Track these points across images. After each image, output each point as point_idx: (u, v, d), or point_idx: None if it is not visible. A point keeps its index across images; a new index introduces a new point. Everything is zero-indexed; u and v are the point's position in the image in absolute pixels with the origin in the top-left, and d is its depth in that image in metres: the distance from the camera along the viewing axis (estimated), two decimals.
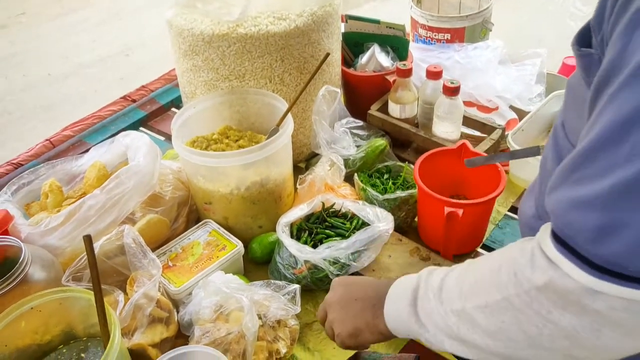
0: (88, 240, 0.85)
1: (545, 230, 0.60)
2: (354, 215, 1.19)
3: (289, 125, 1.18)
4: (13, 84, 3.86)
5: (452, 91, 1.27)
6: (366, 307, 0.80)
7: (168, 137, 1.61)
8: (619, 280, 0.52)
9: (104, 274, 1.01)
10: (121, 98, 1.71)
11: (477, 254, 1.22)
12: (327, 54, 1.25)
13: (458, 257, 1.18)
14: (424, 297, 0.71)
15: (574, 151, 0.55)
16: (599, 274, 0.53)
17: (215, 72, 1.25)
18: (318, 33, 1.26)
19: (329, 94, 1.32)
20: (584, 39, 0.63)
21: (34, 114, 3.56)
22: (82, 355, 0.99)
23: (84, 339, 1.02)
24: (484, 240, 1.24)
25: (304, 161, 1.46)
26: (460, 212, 1.07)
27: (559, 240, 0.56)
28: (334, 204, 1.20)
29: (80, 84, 3.83)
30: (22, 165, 1.49)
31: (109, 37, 4.34)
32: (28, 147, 1.54)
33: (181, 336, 1.05)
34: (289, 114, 1.20)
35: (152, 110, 1.70)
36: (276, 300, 1.01)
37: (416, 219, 1.27)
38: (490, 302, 0.62)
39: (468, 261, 0.72)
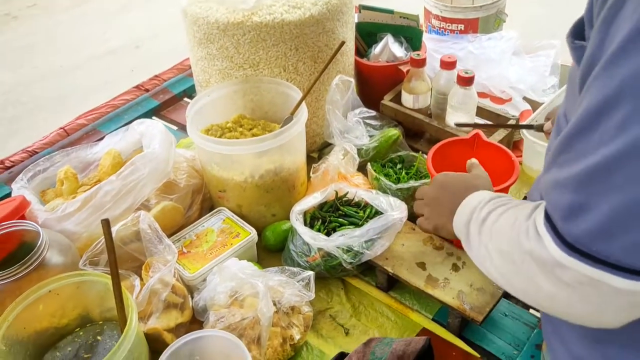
0: (106, 224, 0.86)
1: (542, 205, 0.64)
2: (367, 204, 1.19)
3: (303, 113, 1.18)
4: (25, 76, 3.88)
5: (466, 81, 1.27)
6: (447, 213, 0.88)
7: (181, 127, 1.62)
8: (584, 258, 0.56)
9: (119, 259, 1.01)
10: (134, 87, 1.72)
11: None
12: (343, 42, 1.25)
13: None
14: (474, 224, 0.78)
15: (560, 136, 0.58)
16: (568, 250, 0.57)
17: (230, 60, 1.26)
18: (332, 22, 1.26)
19: (342, 84, 1.32)
20: (578, 32, 0.65)
21: (46, 104, 3.59)
22: (99, 338, 1.00)
23: (100, 322, 1.03)
24: None
25: (317, 151, 1.46)
26: None
27: (547, 216, 0.61)
28: (347, 193, 1.20)
29: (91, 75, 3.84)
30: (36, 152, 1.50)
31: (120, 29, 4.35)
32: (41, 137, 1.55)
33: (195, 322, 1.06)
34: (303, 103, 1.20)
35: (165, 100, 1.70)
36: (291, 287, 1.02)
37: None
38: (503, 249, 0.69)
39: (503, 208, 0.75)
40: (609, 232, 0.54)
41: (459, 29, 1.61)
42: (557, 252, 0.58)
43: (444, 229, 0.91)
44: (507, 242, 0.68)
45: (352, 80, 1.33)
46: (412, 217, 1.21)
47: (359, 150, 1.31)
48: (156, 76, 1.75)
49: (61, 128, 1.57)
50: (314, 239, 1.08)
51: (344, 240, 1.07)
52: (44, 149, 1.52)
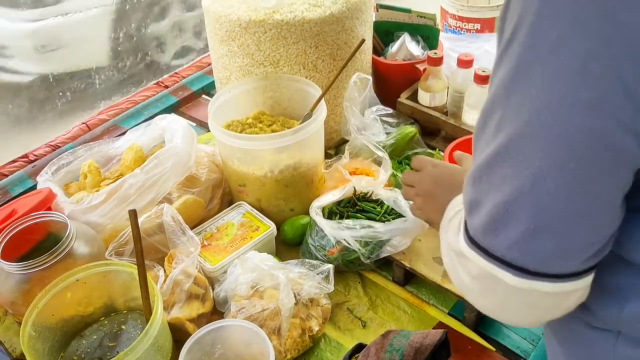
0: (133, 214, 0.88)
1: None
2: (384, 201, 1.21)
3: (322, 110, 1.20)
4: None
5: (483, 79, 1.28)
6: (442, 209, 0.83)
7: (199, 123, 1.65)
8: (480, 251, 0.57)
9: (143, 250, 1.04)
10: (154, 84, 1.75)
11: None
12: (363, 40, 1.27)
13: None
14: (447, 225, 0.76)
15: (474, 133, 0.60)
16: (470, 243, 0.58)
17: (251, 57, 1.28)
18: (352, 20, 1.28)
19: (360, 81, 1.33)
20: None
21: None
22: (123, 327, 1.03)
23: (124, 312, 1.06)
24: None
25: (334, 147, 1.48)
26: None
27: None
28: (368, 193, 1.21)
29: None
30: (59, 147, 1.54)
31: None
32: (54, 134, 1.58)
33: (216, 312, 1.09)
34: (322, 100, 1.22)
35: (184, 97, 1.73)
36: (310, 279, 1.04)
37: None
38: (444, 247, 0.70)
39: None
40: (493, 228, 0.54)
41: (475, 28, 1.62)
42: (463, 245, 0.60)
43: (436, 224, 0.88)
44: (445, 242, 0.69)
45: (370, 78, 1.35)
46: None
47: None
48: (175, 73, 1.78)
49: (83, 123, 1.60)
50: (335, 229, 1.10)
51: (366, 232, 1.09)
52: (66, 144, 1.55)
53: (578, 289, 0.56)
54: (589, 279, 0.56)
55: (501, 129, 0.52)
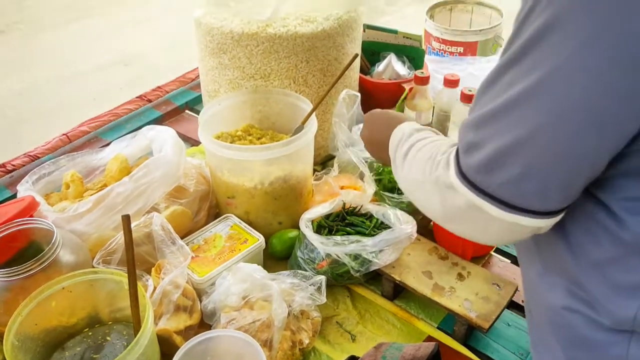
0: (127, 219, 0.86)
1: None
2: (373, 215, 1.21)
3: (313, 124, 1.21)
4: (10, 89, 3.85)
5: (469, 98, 1.31)
6: (383, 147, 0.96)
7: (184, 138, 1.63)
8: (470, 186, 0.66)
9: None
10: (137, 97, 1.73)
11: (491, 258, 1.26)
12: (357, 55, 1.29)
13: (473, 260, 1.20)
14: (398, 158, 0.88)
15: (478, 89, 0.67)
16: (461, 178, 0.67)
17: (241, 70, 1.28)
18: (342, 37, 1.30)
19: (348, 98, 1.35)
20: None
21: (32, 118, 3.55)
22: (107, 338, 1.00)
23: (109, 323, 1.02)
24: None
25: (320, 164, 1.49)
26: None
27: (457, 150, 0.70)
28: (356, 207, 1.22)
29: (79, 91, 3.83)
30: (38, 157, 1.50)
31: (108, 47, 4.35)
32: (26, 149, 1.54)
33: (203, 325, 1.06)
34: (313, 114, 1.23)
35: (168, 111, 1.72)
36: (302, 290, 1.03)
37: (432, 223, 1.30)
38: (417, 179, 0.80)
39: (431, 139, 0.85)
40: (488, 168, 0.63)
41: (458, 51, 1.67)
42: (455, 179, 0.68)
43: (388, 160, 0.99)
44: (421, 174, 0.77)
45: (359, 94, 1.36)
46: (418, 230, 1.24)
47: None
48: (159, 87, 1.77)
49: (64, 134, 1.57)
50: (324, 244, 1.09)
51: (355, 248, 1.09)
52: (46, 154, 1.51)
53: (548, 225, 0.65)
54: (558, 218, 0.65)
55: (512, 86, 0.59)
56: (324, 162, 1.49)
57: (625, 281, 0.62)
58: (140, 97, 1.74)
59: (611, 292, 0.65)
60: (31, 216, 1.10)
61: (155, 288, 0.99)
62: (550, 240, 0.72)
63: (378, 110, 1.07)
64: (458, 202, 0.68)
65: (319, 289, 1.04)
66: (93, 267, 1.01)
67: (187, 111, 1.76)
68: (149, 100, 1.73)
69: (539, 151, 0.59)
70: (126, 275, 0.89)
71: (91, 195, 1.18)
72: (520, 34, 0.59)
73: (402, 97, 1.46)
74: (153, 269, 1.06)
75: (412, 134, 0.88)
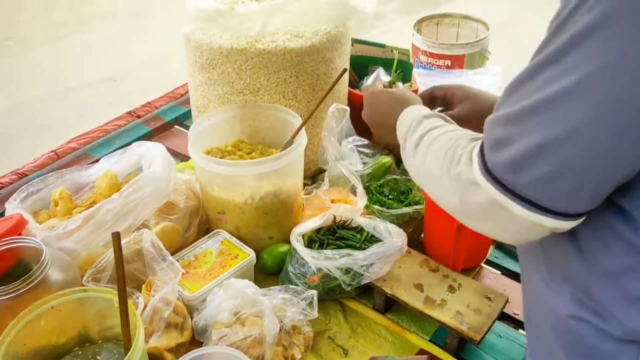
0: (117, 237, 0.86)
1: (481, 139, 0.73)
2: (364, 228, 1.21)
3: (303, 138, 1.21)
4: None
5: None
6: (389, 130, 0.98)
7: (173, 153, 1.62)
8: (496, 184, 0.65)
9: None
10: (126, 113, 1.73)
11: (482, 270, 1.26)
12: (345, 69, 1.30)
13: (463, 272, 1.21)
14: (408, 144, 0.88)
15: (509, 83, 0.67)
16: (486, 174, 0.66)
17: (231, 86, 1.29)
18: (331, 52, 1.31)
19: (338, 112, 1.36)
20: None
21: (20, 135, 3.53)
22: (98, 357, 0.99)
23: (99, 341, 1.01)
24: (487, 256, 1.27)
25: (310, 178, 1.49)
26: None
27: (481, 145, 0.69)
28: (347, 221, 1.22)
29: (68, 107, 3.82)
30: (26, 175, 1.49)
31: (97, 63, 4.35)
32: (14, 166, 1.54)
33: (194, 342, 1.06)
34: (303, 128, 1.23)
35: (157, 127, 1.72)
36: (294, 305, 1.02)
37: (422, 235, 1.31)
38: (433, 173, 0.79)
39: (443, 129, 0.84)
40: (517, 165, 0.63)
41: (445, 64, 1.68)
42: (479, 176, 0.67)
43: (393, 146, 1.01)
44: (438, 168, 0.77)
45: (348, 108, 1.37)
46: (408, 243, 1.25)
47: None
48: (148, 103, 1.77)
49: (52, 151, 1.56)
50: (316, 258, 1.09)
51: (346, 261, 1.09)
52: (34, 172, 1.50)
53: (569, 227, 0.65)
54: (580, 221, 0.65)
55: (550, 84, 0.59)
56: (314, 175, 1.49)
57: (638, 292, 0.63)
58: (129, 112, 1.73)
59: (623, 303, 0.65)
60: (19, 234, 1.09)
61: (145, 305, 0.99)
62: (558, 247, 0.72)
63: (379, 89, 1.06)
64: (480, 199, 0.68)
65: (310, 303, 1.04)
66: (83, 285, 1.00)
67: (176, 126, 1.76)
68: (139, 116, 1.73)
69: (575, 151, 0.59)
70: (116, 293, 0.88)
71: (80, 212, 1.17)
72: (560, 33, 0.59)
73: None
74: (143, 286, 1.05)
75: (422, 121, 0.88)
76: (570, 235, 0.70)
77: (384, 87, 1.53)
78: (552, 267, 0.75)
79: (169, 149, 1.63)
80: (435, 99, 1.17)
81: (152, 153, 1.22)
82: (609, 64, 0.55)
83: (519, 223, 0.65)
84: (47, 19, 4.99)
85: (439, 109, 1.14)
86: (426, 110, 0.94)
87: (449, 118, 0.91)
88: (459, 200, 0.73)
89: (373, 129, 1.07)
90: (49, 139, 2.71)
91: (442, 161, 0.76)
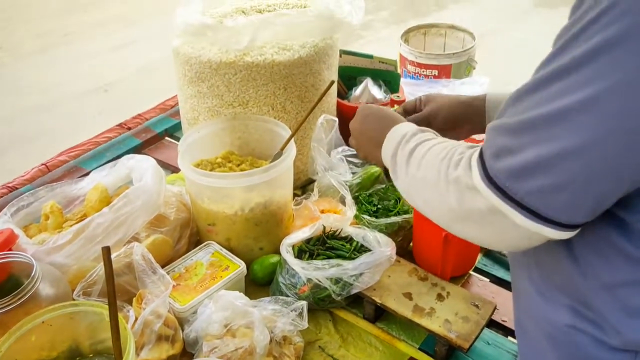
0: (107, 251, 0.86)
1: (479, 147, 0.73)
2: (353, 238, 1.23)
3: (292, 149, 1.22)
4: None
5: None
6: (374, 144, 0.98)
7: (164, 165, 1.63)
8: (497, 191, 0.65)
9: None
10: (117, 125, 1.73)
11: (470, 278, 1.27)
12: (333, 81, 1.32)
13: (452, 280, 1.22)
14: (401, 155, 0.88)
15: (516, 90, 0.67)
16: (487, 181, 0.66)
17: (220, 98, 1.30)
18: (319, 64, 1.33)
19: (326, 123, 1.37)
20: None
21: (10, 147, 3.53)
22: None
23: (90, 355, 1.01)
24: (475, 263, 1.29)
25: (300, 188, 1.50)
26: None
27: (481, 152, 0.69)
28: (337, 231, 1.23)
29: (59, 118, 3.81)
30: (17, 188, 1.49)
31: (88, 73, 4.35)
32: (5, 177, 1.54)
33: (186, 354, 1.06)
34: (292, 139, 1.25)
35: (147, 139, 1.72)
36: (284, 316, 1.03)
37: (411, 244, 1.32)
38: (428, 178, 0.79)
39: (437, 140, 0.85)
40: (521, 175, 0.63)
41: (432, 74, 1.71)
42: (479, 182, 0.67)
43: (374, 158, 1.00)
44: (435, 173, 0.77)
45: (336, 119, 1.39)
46: (397, 252, 1.26)
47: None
48: (139, 115, 1.78)
49: (42, 164, 1.56)
50: (305, 269, 1.10)
51: (335, 272, 1.10)
52: (24, 185, 1.51)
53: (567, 237, 0.65)
54: (577, 231, 0.65)
55: (564, 95, 0.59)
56: (304, 186, 1.51)
57: (638, 304, 0.64)
58: (120, 125, 1.74)
59: (623, 315, 0.66)
60: (10, 249, 1.09)
61: (136, 318, 0.99)
62: (552, 257, 0.73)
63: (374, 105, 1.07)
64: (479, 205, 0.68)
65: (300, 314, 1.05)
66: (73, 299, 1.00)
67: (167, 138, 1.77)
68: (129, 128, 1.74)
69: (584, 164, 0.59)
70: (107, 306, 0.89)
71: (71, 225, 1.18)
72: (573, 46, 0.58)
73: None
74: (134, 299, 1.05)
75: (417, 133, 0.88)
76: (566, 246, 0.70)
77: (374, 100, 1.55)
78: (547, 277, 0.76)
79: (159, 161, 1.65)
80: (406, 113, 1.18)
81: (143, 166, 1.23)
82: (626, 80, 0.55)
83: (517, 231, 0.65)
84: (37, 29, 4.99)
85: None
86: (415, 126, 0.94)
87: (439, 135, 0.91)
88: (456, 205, 0.72)
89: (355, 140, 1.06)
90: (40, 151, 2.72)
91: (439, 166, 0.76)
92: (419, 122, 1.12)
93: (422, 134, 0.88)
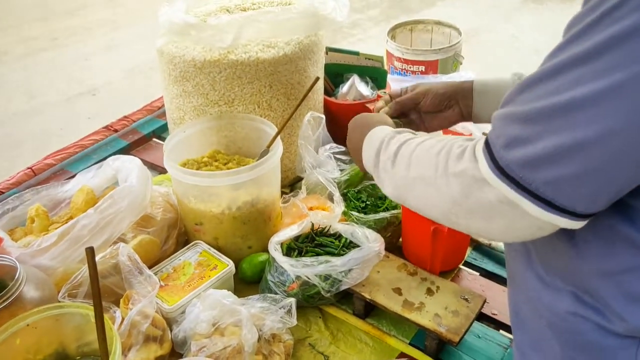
0: (90, 252, 0.85)
1: (483, 136, 0.70)
2: (342, 234, 1.22)
3: (278, 147, 1.22)
4: None
5: None
6: (357, 148, 0.97)
7: (151, 166, 1.63)
8: (509, 182, 0.63)
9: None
10: (103, 128, 1.72)
11: (460, 272, 1.27)
12: (317, 78, 1.31)
13: (442, 274, 1.22)
14: (384, 159, 0.86)
15: (526, 78, 0.64)
16: (498, 172, 0.64)
17: (205, 97, 1.29)
18: (304, 61, 1.32)
19: (313, 120, 1.37)
20: None
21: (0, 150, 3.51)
22: None
23: (77, 358, 1.00)
24: (465, 257, 1.29)
25: (288, 186, 1.49)
26: (445, 227, 1.12)
27: (487, 142, 0.67)
28: (325, 228, 1.23)
29: (47, 122, 3.79)
30: (2, 192, 1.48)
31: (75, 76, 4.33)
32: None
33: (174, 354, 1.05)
34: (279, 137, 1.24)
35: (134, 140, 1.71)
36: (272, 314, 1.03)
37: (400, 239, 1.32)
38: (425, 175, 0.76)
39: (420, 138, 0.83)
40: (537, 165, 0.61)
41: (419, 70, 1.70)
42: (488, 173, 0.65)
43: (359, 162, 0.98)
44: (432, 169, 0.74)
45: (323, 116, 1.38)
46: (385, 249, 1.26)
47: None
48: (125, 117, 1.77)
49: (28, 168, 1.55)
50: (294, 267, 1.10)
51: (324, 268, 1.09)
52: (10, 189, 1.49)
53: (580, 226, 0.64)
54: (589, 219, 0.64)
55: (581, 84, 0.57)
56: (293, 184, 1.50)
57: None
58: (106, 127, 1.73)
59: (627, 301, 0.65)
60: None
61: (123, 319, 0.98)
62: (554, 246, 0.72)
63: (365, 113, 1.06)
64: (488, 197, 0.66)
65: (289, 311, 1.04)
66: (59, 301, 0.99)
67: (154, 139, 1.76)
68: (116, 130, 1.72)
69: (605, 154, 0.57)
70: (92, 308, 0.88)
71: (57, 228, 1.17)
72: (594, 32, 0.56)
73: None
74: (121, 300, 1.04)
75: (394, 136, 0.87)
76: (567, 235, 0.69)
77: (362, 96, 1.54)
78: (547, 263, 0.75)
79: (147, 162, 1.65)
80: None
81: (128, 167, 1.22)
82: None
83: (528, 221, 0.64)
84: (23, 34, 4.95)
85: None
86: (393, 128, 0.93)
87: (415, 133, 0.90)
88: (461, 198, 0.70)
89: (352, 154, 1.05)
90: (28, 154, 2.70)
91: (436, 162, 0.74)
92: (407, 104, 1.12)
93: (401, 135, 0.86)
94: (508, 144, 0.63)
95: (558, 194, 0.61)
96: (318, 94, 1.46)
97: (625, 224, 0.64)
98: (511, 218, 0.65)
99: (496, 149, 0.64)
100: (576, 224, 0.63)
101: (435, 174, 0.73)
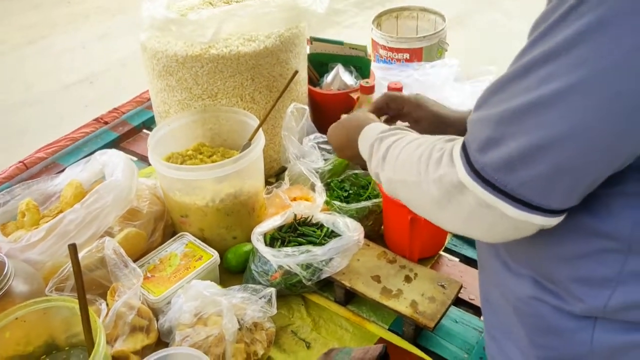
0: (73, 249, 0.89)
1: (460, 139, 0.71)
2: (324, 224, 1.25)
3: (260, 139, 1.24)
4: None
5: None
6: (353, 152, 0.99)
7: (140, 158, 1.66)
8: (485, 185, 0.64)
9: (85, 286, 1.04)
10: (93, 120, 1.75)
11: (440, 258, 1.30)
12: (296, 72, 1.33)
13: (422, 261, 1.25)
14: (375, 157, 0.88)
15: (497, 80, 0.65)
16: (474, 176, 0.65)
17: (189, 91, 1.32)
18: (286, 53, 1.34)
19: (297, 111, 1.39)
20: None
21: None
22: None
23: (66, 348, 1.04)
24: (445, 244, 1.32)
25: (274, 176, 1.52)
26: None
27: (463, 146, 0.68)
28: (308, 218, 1.26)
29: (45, 112, 3.81)
30: None
31: (73, 65, 4.34)
32: None
33: (161, 343, 1.09)
34: (260, 130, 1.27)
35: (124, 132, 1.74)
36: (253, 303, 1.06)
37: (382, 228, 1.35)
38: (408, 180, 0.78)
39: (407, 138, 0.84)
40: (511, 166, 0.61)
41: (404, 57, 1.72)
42: (465, 177, 0.66)
43: (354, 159, 1.01)
44: (415, 174, 0.76)
45: (307, 107, 1.41)
46: (366, 237, 1.28)
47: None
48: (115, 109, 1.79)
49: (20, 162, 1.58)
50: (275, 257, 1.13)
51: (305, 258, 1.13)
52: (3, 183, 1.52)
53: (556, 223, 0.65)
54: (565, 215, 0.65)
55: (548, 82, 0.57)
56: (278, 173, 1.53)
57: (598, 274, 0.66)
58: (96, 119, 1.76)
59: (582, 283, 0.68)
60: None
61: (108, 311, 1.02)
62: None
63: (346, 116, 1.08)
64: (468, 200, 0.67)
65: (269, 301, 1.08)
66: (46, 295, 1.03)
67: (144, 131, 1.78)
68: (106, 122, 1.75)
69: (577, 150, 0.58)
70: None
71: (48, 222, 1.20)
72: (561, 28, 0.57)
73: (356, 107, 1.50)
74: (108, 293, 1.08)
75: (383, 137, 0.88)
76: None
77: (346, 86, 1.56)
78: (513, 252, 0.78)
79: (137, 154, 1.68)
80: (389, 108, 1.13)
81: (114, 161, 1.25)
82: (617, 63, 0.53)
83: (507, 223, 0.65)
84: (19, 23, 4.95)
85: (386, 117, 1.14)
86: (383, 125, 0.94)
87: (407, 128, 0.91)
88: (442, 202, 0.71)
89: (337, 152, 1.09)
90: (26, 145, 2.72)
91: (418, 167, 0.75)
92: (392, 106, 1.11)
93: (390, 136, 0.87)
94: (482, 147, 0.64)
95: (534, 194, 0.61)
96: (301, 85, 1.48)
97: (582, 213, 0.66)
98: (491, 220, 0.66)
99: (471, 152, 0.65)
100: (553, 221, 0.64)
101: (418, 178, 0.75)
